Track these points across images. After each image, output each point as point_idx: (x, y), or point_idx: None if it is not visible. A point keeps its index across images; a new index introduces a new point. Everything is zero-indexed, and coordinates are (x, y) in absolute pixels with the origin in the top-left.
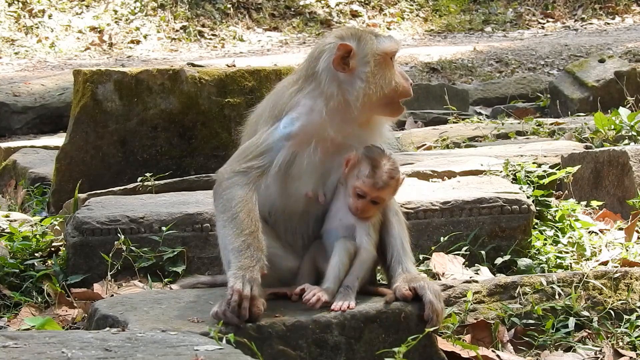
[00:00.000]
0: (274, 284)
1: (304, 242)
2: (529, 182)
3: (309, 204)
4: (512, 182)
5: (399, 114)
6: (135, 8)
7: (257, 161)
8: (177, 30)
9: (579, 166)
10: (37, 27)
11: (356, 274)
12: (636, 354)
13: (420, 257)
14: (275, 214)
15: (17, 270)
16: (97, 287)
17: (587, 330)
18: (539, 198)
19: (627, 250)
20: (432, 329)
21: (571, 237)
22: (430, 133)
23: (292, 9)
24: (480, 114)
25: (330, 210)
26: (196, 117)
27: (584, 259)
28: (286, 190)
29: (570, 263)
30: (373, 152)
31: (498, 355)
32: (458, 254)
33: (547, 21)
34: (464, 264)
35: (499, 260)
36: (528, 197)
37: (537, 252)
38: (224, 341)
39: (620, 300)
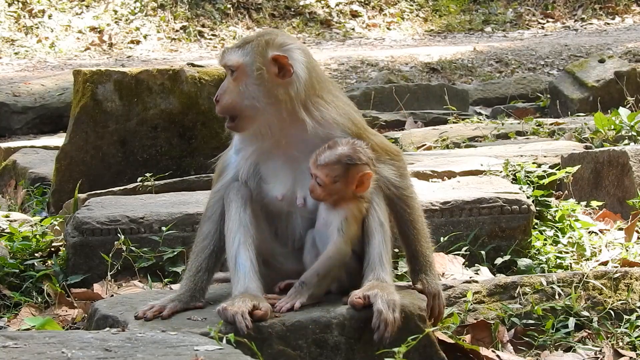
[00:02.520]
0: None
1: (295, 243)
2: (529, 182)
3: (291, 206)
4: (512, 182)
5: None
6: (135, 8)
7: (221, 182)
8: (177, 31)
9: (579, 166)
10: (37, 27)
11: (316, 269)
12: (636, 354)
13: None
14: (265, 215)
15: (17, 270)
16: (97, 287)
17: (587, 330)
18: (539, 198)
19: (627, 250)
20: (377, 338)
21: (571, 237)
22: (430, 133)
23: (292, 9)
24: (480, 114)
25: (318, 210)
26: (196, 117)
27: (584, 259)
28: (262, 194)
29: (570, 263)
30: (339, 138)
31: (498, 355)
32: (458, 254)
33: (547, 21)
34: (464, 264)
35: (499, 260)
36: (528, 197)
37: (537, 252)
38: (224, 341)
39: (620, 300)
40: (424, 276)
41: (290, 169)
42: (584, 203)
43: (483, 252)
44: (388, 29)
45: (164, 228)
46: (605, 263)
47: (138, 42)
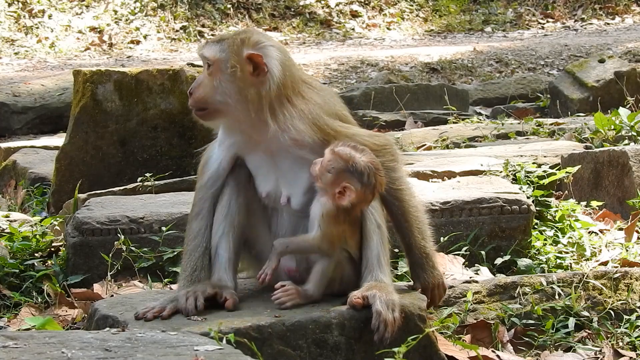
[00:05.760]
0: (272, 283)
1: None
2: (529, 182)
3: (276, 203)
4: (512, 182)
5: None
6: (135, 8)
7: (205, 175)
8: (177, 31)
9: (579, 166)
10: (37, 27)
11: (287, 241)
12: (636, 354)
13: None
14: (262, 211)
15: (17, 270)
16: (97, 287)
17: (587, 330)
18: (539, 198)
19: (627, 250)
20: (377, 339)
21: (571, 237)
22: (430, 133)
23: (292, 9)
24: (480, 114)
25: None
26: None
27: (584, 259)
28: (251, 190)
29: (570, 263)
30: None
31: (498, 356)
32: (458, 254)
33: (547, 21)
34: (464, 264)
35: (499, 261)
36: (528, 197)
37: (537, 252)
38: (224, 341)
39: (620, 300)
40: (420, 271)
41: (271, 165)
42: (584, 203)
43: (483, 252)
44: (388, 29)
45: (164, 228)
46: (605, 263)
47: (138, 42)
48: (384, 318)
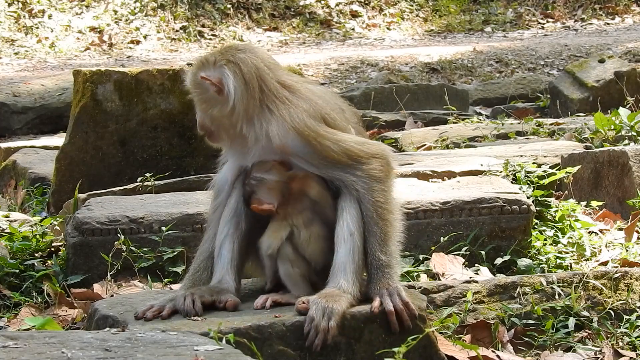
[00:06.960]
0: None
1: None
2: (528, 182)
3: None
4: (512, 182)
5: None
6: (135, 8)
7: (215, 188)
8: (177, 31)
9: (579, 166)
10: (37, 27)
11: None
12: (636, 354)
13: (420, 257)
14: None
15: (17, 270)
16: (97, 287)
17: (587, 330)
18: (539, 198)
19: (627, 250)
20: (307, 345)
21: (571, 237)
22: (430, 133)
23: (292, 9)
24: (480, 114)
25: None
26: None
27: (584, 259)
28: None
29: (570, 263)
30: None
31: (498, 356)
32: (458, 254)
33: (547, 21)
34: (464, 264)
35: (499, 261)
36: (528, 198)
37: (537, 252)
38: (223, 341)
39: (620, 300)
40: (373, 285)
41: None
42: (584, 203)
43: (483, 252)
44: (388, 29)
45: (163, 228)
46: (605, 263)
47: (138, 42)
48: (316, 324)
